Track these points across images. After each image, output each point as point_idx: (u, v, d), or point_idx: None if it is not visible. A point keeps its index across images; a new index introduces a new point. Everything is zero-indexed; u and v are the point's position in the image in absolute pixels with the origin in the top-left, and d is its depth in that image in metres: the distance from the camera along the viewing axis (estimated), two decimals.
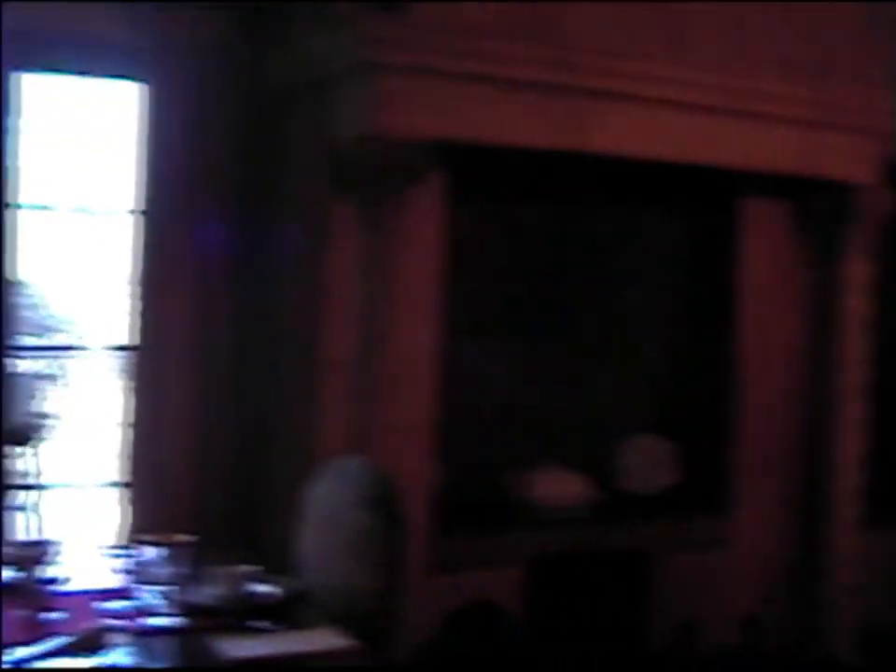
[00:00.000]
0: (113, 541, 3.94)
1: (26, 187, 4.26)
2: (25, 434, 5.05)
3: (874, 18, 4.97)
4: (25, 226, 4.27)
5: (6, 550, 2.81)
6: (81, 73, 4.38)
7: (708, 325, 5.19)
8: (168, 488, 4.39)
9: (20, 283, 4.46)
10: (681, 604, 4.90)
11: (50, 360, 6.28)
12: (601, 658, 4.82)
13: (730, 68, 4.59)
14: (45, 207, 4.59)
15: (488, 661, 4.30)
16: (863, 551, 5.20)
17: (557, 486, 4.78)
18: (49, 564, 2.67)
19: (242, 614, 2.71)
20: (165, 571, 2.58)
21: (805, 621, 5.14)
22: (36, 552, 2.69)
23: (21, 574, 2.63)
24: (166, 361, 4.43)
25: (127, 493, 4.52)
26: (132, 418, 4.49)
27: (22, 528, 4.79)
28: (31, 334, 5.88)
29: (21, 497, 4.89)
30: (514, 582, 4.54)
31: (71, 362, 6.83)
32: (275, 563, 3.16)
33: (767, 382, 5.13)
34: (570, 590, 4.78)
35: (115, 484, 4.59)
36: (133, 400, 4.50)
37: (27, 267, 4.50)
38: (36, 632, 2.47)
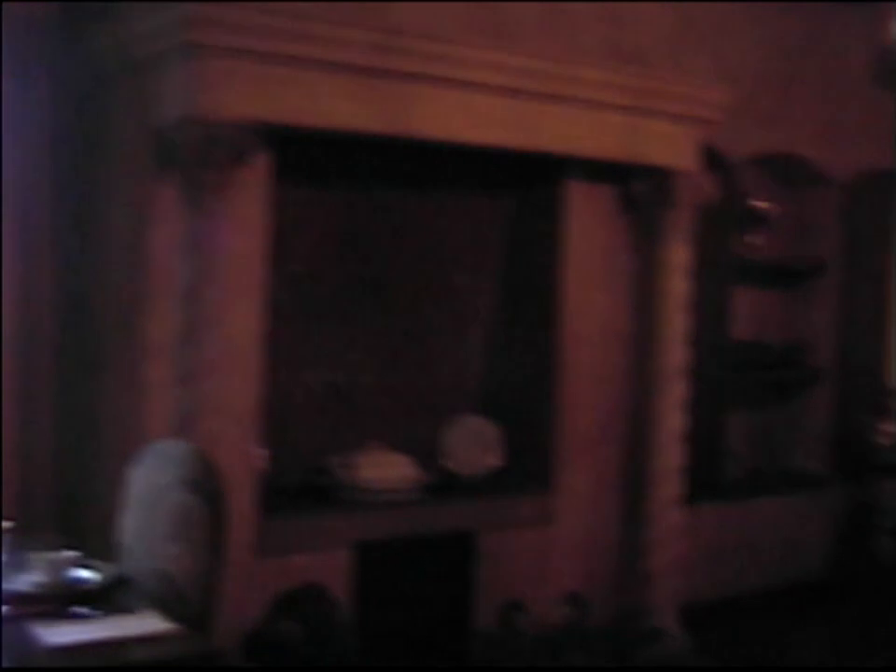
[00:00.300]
0: None
1: None
2: None
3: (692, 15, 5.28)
4: None
5: None
6: None
7: (532, 307, 5.36)
8: None
9: None
10: (507, 583, 5.08)
11: None
12: (428, 639, 4.98)
13: (552, 54, 4.78)
14: None
15: (315, 644, 4.38)
16: (685, 527, 5.49)
17: (383, 468, 4.88)
18: None
19: (63, 600, 2.77)
20: None
21: (629, 596, 5.40)
22: None
23: None
24: None
25: None
26: None
27: None
28: None
29: None
30: (341, 565, 4.64)
31: None
32: (97, 548, 3.23)
33: (590, 362, 5.32)
34: (397, 572, 4.90)
35: None
36: None
37: None
38: None
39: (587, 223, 5.30)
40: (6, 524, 2.74)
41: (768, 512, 6.32)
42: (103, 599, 2.82)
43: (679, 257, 5.29)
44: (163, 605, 2.82)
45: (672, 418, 5.33)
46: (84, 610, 2.75)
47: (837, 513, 6.61)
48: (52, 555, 2.91)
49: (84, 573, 2.92)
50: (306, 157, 4.60)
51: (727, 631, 5.79)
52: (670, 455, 5.35)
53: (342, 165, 4.82)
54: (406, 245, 5.22)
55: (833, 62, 6.37)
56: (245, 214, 4.28)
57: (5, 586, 2.66)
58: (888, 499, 6.53)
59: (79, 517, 4.32)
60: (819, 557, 6.56)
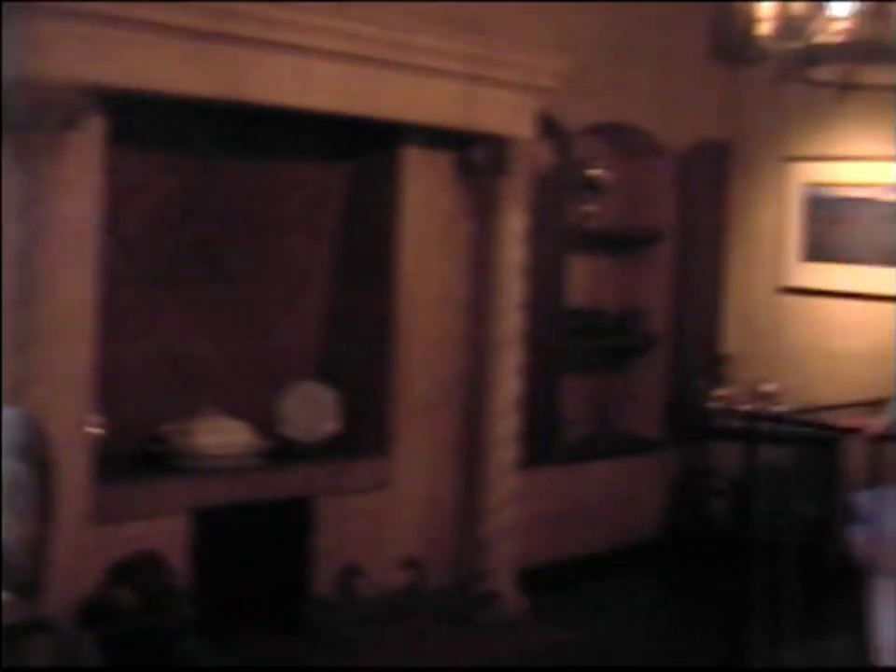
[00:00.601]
0: None
1: None
2: None
3: None
4: None
5: None
6: None
7: (369, 273, 5.53)
8: None
9: None
10: (345, 549, 5.27)
11: None
12: (267, 605, 5.13)
13: (389, 21, 4.92)
14: None
15: (150, 611, 4.46)
16: (521, 491, 5.76)
17: (220, 435, 5.01)
18: None
19: None
20: None
21: (467, 560, 5.63)
22: None
23: None
24: None
25: None
26: None
27: None
28: None
29: None
30: (178, 532, 4.75)
31: None
32: None
33: (427, 328, 5.53)
34: (234, 538, 5.04)
35: None
36: None
37: None
38: None
39: (425, 190, 5.49)
40: None
41: (604, 476, 6.66)
42: None
43: (515, 224, 5.52)
44: None
45: (508, 384, 5.56)
46: None
47: (671, 477, 6.97)
48: None
49: None
50: (141, 121, 4.64)
51: (564, 593, 6.10)
52: (507, 420, 5.59)
53: (178, 130, 4.88)
54: (243, 211, 5.31)
55: (670, 33, 6.65)
56: (79, 178, 4.33)
57: None
58: (720, 463, 6.89)
59: None
60: (654, 520, 6.92)
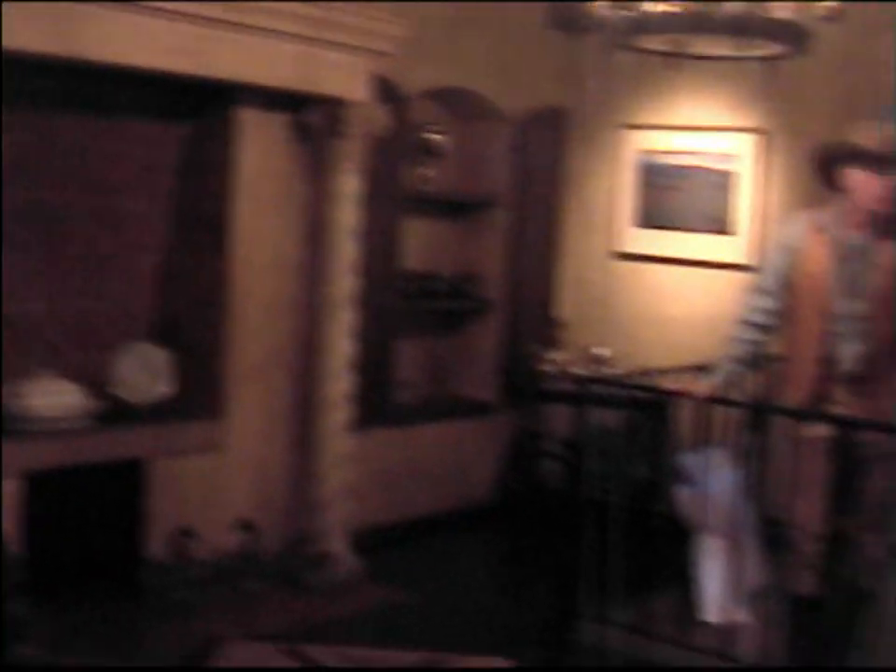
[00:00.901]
0: None
1: None
2: None
3: None
4: None
5: None
6: None
7: (204, 233, 5.61)
8: None
9: None
10: (178, 511, 5.40)
11: None
12: (100, 568, 5.26)
13: None
14: None
15: None
16: (355, 453, 5.96)
17: (52, 397, 5.04)
18: None
19: None
20: None
21: (301, 522, 5.81)
22: None
23: None
24: None
25: None
26: None
27: None
28: None
29: None
30: (10, 495, 4.80)
31: None
32: None
33: (261, 290, 5.66)
34: (67, 501, 5.13)
35: None
36: None
37: None
38: None
39: (260, 151, 5.59)
40: None
41: (438, 438, 6.89)
42: None
43: (350, 186, 5.66)
44: None
45: (342, 346, 5.73)
46: None
47: (505, 439, 7.22)
48: None
49: None
50: None
51: (398, 554, 6.32)
52: (340, 382, 5.76)
53: (10, 87, 4.82)
54: (79, 170, 5.34)
55: (509, 1, 6.82)
56: None
57: None
58: (553, 426, 7.15)
59: None
60: (488, 481, 7.17)
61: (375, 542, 6.17)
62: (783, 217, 5.24)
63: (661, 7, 4.11)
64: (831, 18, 4.07)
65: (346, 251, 5.69)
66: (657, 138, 7.17)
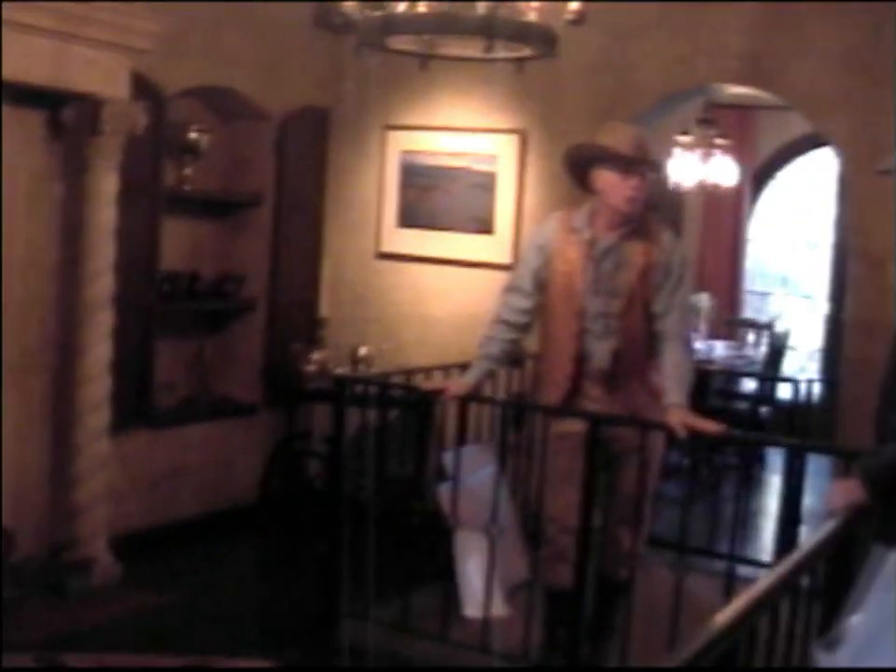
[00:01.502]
0: None
1: None
2: None
3: None
4: None
5: None
6: None
7: None
8: None
9: None
10: None
11: None
12: None
13: None
14: None
15: None
16: (115, 456, 5.90)
17: None
18: None
19: None
20: None
21: (60, 528, 5.70)
22: None
23: None
24: None
25: None
26: None
27: None
28: None
29: None
30: None
31: None
32: None
33: (16, 291, 5.50)
34: None
35: None
36: None
37: None
38: None
39: (14, 149, 5.42)
40: None
41: (201, 440, 6.86)
42: None
43: (107, 185, 5.59)
44: None
45: (100, 348, 5.65)
46: None
47: (269, 439, 7.23)
48: None
49: None
50: None
51: (161, 558, 6.25)
52: (99, 384, 5.69)
53: None
54: None
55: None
56: None
57: None
58: (318, 425, 7.21)
59: None
60: (252, 482, 7.17)
61: (138, 547, 6.10)
62: (540, 217, 5.38)
63: (402, 7, 4.14)
64: (576, 21, 4.19)
65: (104, 251, 5.61)
66: (420, 139, 7.28)
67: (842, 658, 2.12)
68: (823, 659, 2.21)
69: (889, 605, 1.64)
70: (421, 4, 4.09)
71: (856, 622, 2.08)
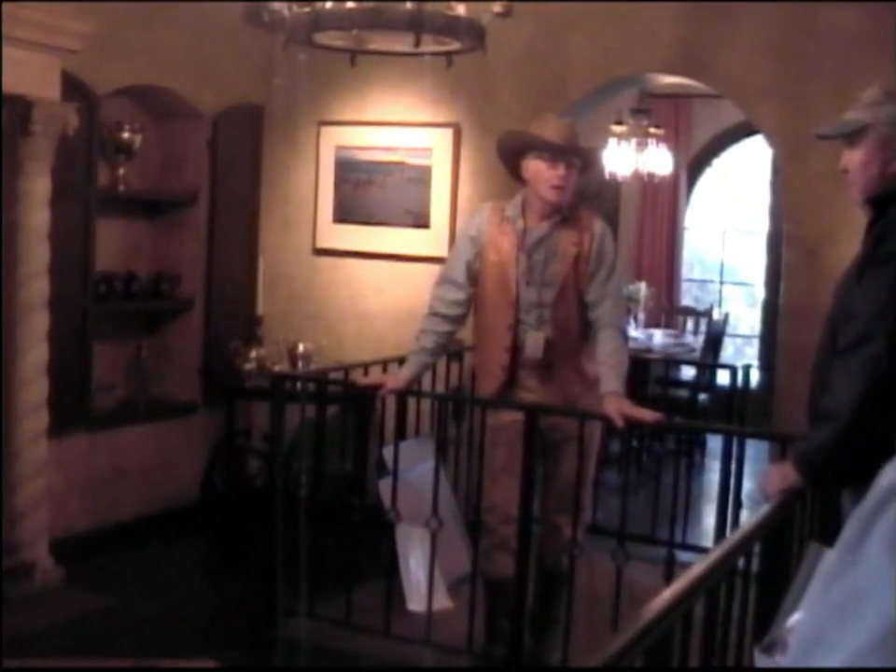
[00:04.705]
0: None
1: None
2: None
3: None
4: None
5: None
6: None
7: None
8: None
9: None
10: None
11: None
12: None
13: None
14: None
15: None
16: (53, 460, 5.86)
17: None
18: None
19: None
20: None
21: (1, 533, 5.61)
22: None
23: None
24: None
25: None
26: None
27: None
28: None
29: None
30: None
31: None
32: None
33: None
34: None
35: None
36: None
37: None
38: None
39: None
40: None
41: (140, 441, 6.82)
42: None
43: (39, 187, 5.53)
44: None
45: (36, 351, 5.60)
46: None
47: (209, 438, 7.21)
48: None
49: None
50: None
51: (103, 561, 6.24)
52: (35, 387, 5.64)
53: None
54: None
55: None
56: None
57: None
58: (258, 423, 7.20)
59: None
60: (193, 482, 7.15)
61: (79, 550, 6.08)
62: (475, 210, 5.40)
63: (329, 4, 4.13)
64: (504, 14, 4.21)
65: (38, 254, 5.56)
66: (354, 134, 7.28)
67: (782, 661, 2.14)
68: (762, 661, 2.23)
69: (826, 605, 1.67)
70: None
71: (793, 623, 2.11)
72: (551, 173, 4.73)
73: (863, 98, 3.43)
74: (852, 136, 3.43)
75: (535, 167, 4.77)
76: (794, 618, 2.18)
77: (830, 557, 1.77)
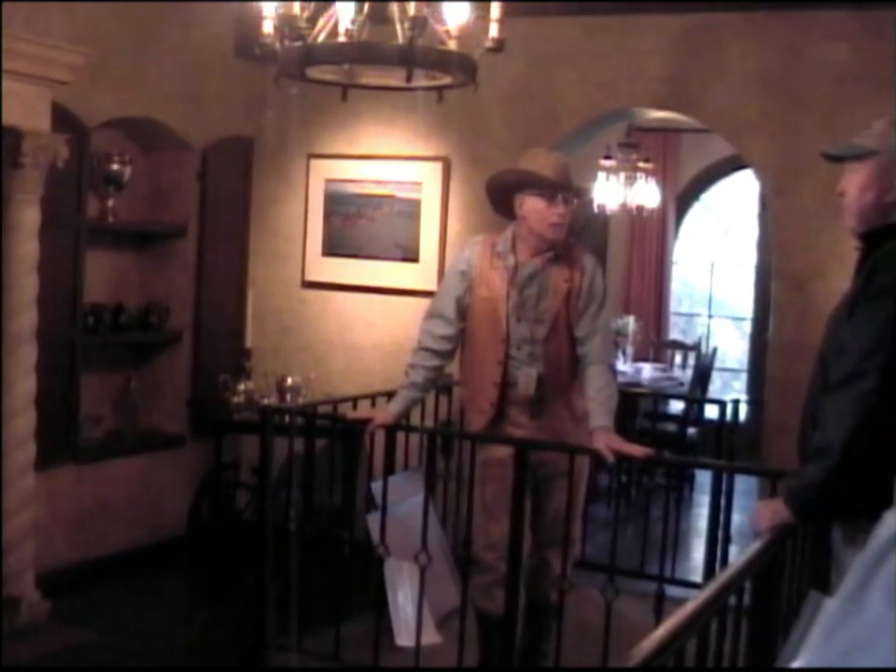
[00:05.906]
0: None
1: None
2: None
3: None
4: None
5: None
6: None
7: None
8: None
9: None
10: None
11: None
12: None
13: None
14: None
15: None
16: (40, 492, 5.82)
17: None
18: None
19: None
20: None
21: None
22: None
23: None
24: None
25: None
26: None
27: None
28: None
29: None
30: None
31: None
32: None
33: None
34: None
35: None
36: None
37: None
38: None
39: None
40: None
41: (128, 474, 6.80)
42: None
43: (29, 218, 5.51)
44: None
45: (24, 383, 5.57)
46: None
47: (198, 471, 7.19)
48: None
49: None
50: None
51: (89, 594, 6.20)
52: (24, 419, 5.60)
53: None
54: None
55: (195, 30, 6.85)
56: None
57: None
58: (247, 456, 7.17)
59: None
60: (181, 515, 7.12)
61: (66, 583, 6.05)
62: (464, 244, 5.40)
63: (328, 38, 4.15)
64: (495, 49, 4.22)
65: (26, 285, 5.53)
66: (344, 167, 7.30)
67: None
68: None
69: (828, 654, 1.66)
70: (341, 34, 4.09)
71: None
72: (550, 210, 4.73)
73: (874, 127, 3.44)
74: (856, 159, 3.43)
75: (532, 204, 4.76)
76: (795, 664, 2.17)
77: (831, 606, 1.76)
